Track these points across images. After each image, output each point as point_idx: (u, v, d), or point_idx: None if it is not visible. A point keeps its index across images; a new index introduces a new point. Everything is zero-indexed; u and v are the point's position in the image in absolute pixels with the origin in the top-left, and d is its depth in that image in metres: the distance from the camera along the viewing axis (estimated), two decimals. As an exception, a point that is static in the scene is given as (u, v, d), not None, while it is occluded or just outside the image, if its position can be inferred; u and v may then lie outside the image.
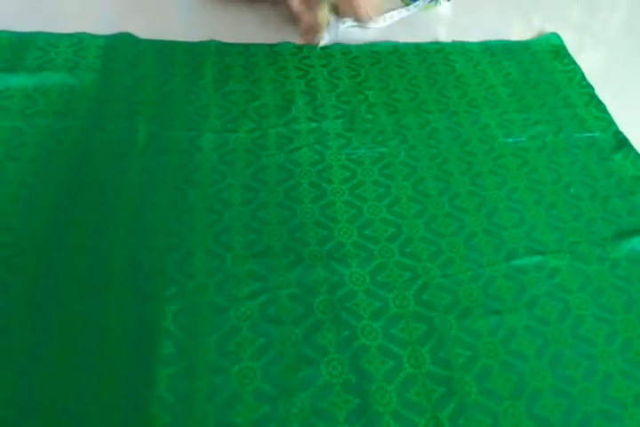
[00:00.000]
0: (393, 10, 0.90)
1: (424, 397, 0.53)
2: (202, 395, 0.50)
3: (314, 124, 0.75)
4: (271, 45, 0.86)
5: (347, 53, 0.86)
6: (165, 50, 0.81)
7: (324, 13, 0.78)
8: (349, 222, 0.65)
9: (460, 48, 0.91)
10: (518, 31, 0.98)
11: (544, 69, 0.90)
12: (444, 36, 0.94)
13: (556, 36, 0.95)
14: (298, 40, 0.86)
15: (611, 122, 0.82)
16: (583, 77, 0.89)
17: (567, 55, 0.93)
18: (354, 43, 0.89)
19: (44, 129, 0.67)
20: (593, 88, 0.87)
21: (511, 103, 0.83)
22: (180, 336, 0.53)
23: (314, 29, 0.81)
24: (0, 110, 0.68)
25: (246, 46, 0.85)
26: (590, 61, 0.94)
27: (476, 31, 0.95)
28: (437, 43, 0.91)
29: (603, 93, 0.87)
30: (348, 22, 0.87)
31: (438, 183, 0.70)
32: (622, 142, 0.80)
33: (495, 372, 0.55)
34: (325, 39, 0.84)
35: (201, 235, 0.61)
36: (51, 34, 0.79)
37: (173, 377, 0.51)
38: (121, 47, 0.79)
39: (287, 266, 0.60)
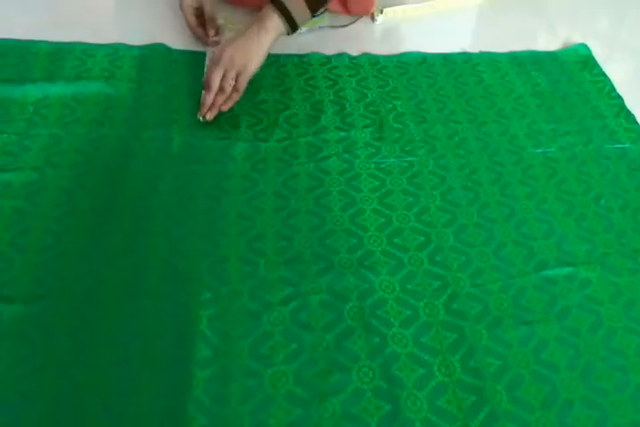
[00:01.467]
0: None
1: (455, 405, 0.54)
2: (236, 397, 0.52)
3: (343, 134, 0.78)
4: (301, 56, 0.88)
5: (375, 64, 0.89)
6: (197, 60, 0.84)
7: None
8: (379, 231, 0.67)
9: (488, 58, 0.93)
10: (545, 41, 1.00)
11: (573, 80, 0.91)
12: (471, 46, 0.96)
13: (584, 46, 0.97)
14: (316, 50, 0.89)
15: (641, 133, 0.83)
16: (612, 88, 0.90)
17: (596, 66, 0.94)
18: (381, 53, 0.91)
19: (83, 137, 0.70)
20: (622, 99, 0.88)
21: (540, 114, 0.85)
22: (214, 340, 0.55)
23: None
24: (40, 118, 0.72)
25: (276, 57, 0.87)
26: (619, 72, 0.95)
27: (502, 41, 0.96)
28: (465, 53, 0.93)
29: (632, 104, 0.88)
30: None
31: (467, 193, 0.72)
32: (653, 154, 0.80)
33: (526, 382, 0.56)
34: None
35: (234, 241, 0.64)
36: (87, 44, 0.83)
37: (209, 380, 0.53)
38: (155, 57, 0.82)
39: (318, 273, 0.62)
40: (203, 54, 0.85)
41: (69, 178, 0.66)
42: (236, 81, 0.74)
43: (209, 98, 0.74)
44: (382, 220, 0.68)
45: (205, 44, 0.86)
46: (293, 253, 0.64)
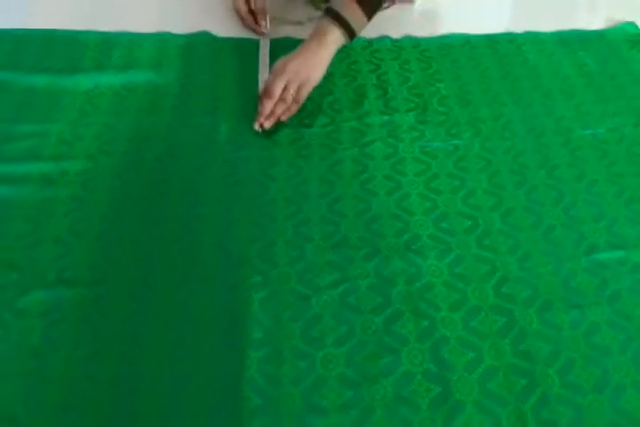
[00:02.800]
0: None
1: (506, 388, 0.53)
2: (289, 378, 0.52)
3: (386, 118, 0.76)
4: (342, 40, 0.87)
5: (417, 46, 0.86)
6: (241, 47, 0.83)
7: None
8: (425, 215, 0.65)
9: (533, 38, 0.89)
10: (586, 20, 0.95)
11: (621, 59, 0.87)
12: (513, 26, 0.92)
13: (632, 25, 0.92)
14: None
15: (693, 113, 0.79)
16: (663, 67, 0.85)
17: (646, 44, 0.89)
18: (423, 35, 0.89)
19: (133, 125, 0.71)
20: (674, 78, 0.84)
21: (588, 94, 0.81)
22: (266, 322, 0.56)
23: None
24: (92, 107, 0.72)
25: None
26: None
27: (546, 20, 0.92)
28: (509, 33, 0.90)
29: (684, 83, 0.83)
30: None
31: (514, 176, 0.70)
32: None
33: (578, 365, 0.54)
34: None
35: (282, 226, 0.63)
36: (134, 34, 0.82)
37: (262, 361, 0.53)
38: (200, 46, 0.82)
39: (365, 257, 0.61)
40: (247, 41, 0.84)
41: (122, 165, 0.66)
42: (296, 93, 0.72)
43: (268, 106, 0.71)
44: (428, 204, 0.66)
45: (256, 33, 0.85)
46: (340, 238, 0.63)
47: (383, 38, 0.86)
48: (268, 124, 0.72)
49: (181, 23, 0.85)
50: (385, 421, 0.50)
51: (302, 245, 0.62)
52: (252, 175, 0.68)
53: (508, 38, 0.89)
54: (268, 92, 0.71)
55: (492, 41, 0.88)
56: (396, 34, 0.88)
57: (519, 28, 0.91)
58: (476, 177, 0.69)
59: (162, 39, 0.82)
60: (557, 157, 0.72)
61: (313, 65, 0.72)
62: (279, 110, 0.72)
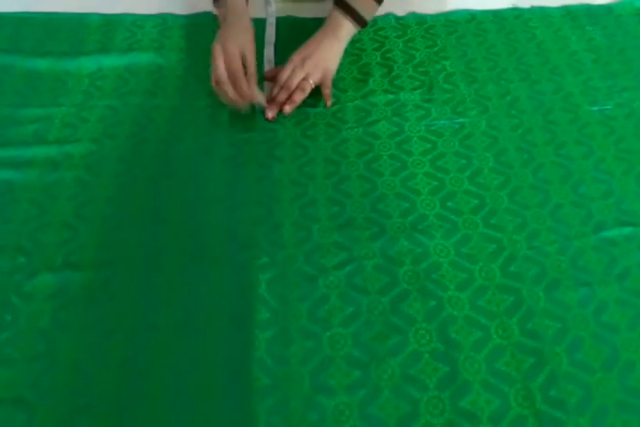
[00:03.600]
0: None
1: (514, 367, 0.51)
2: (297, 359, 0.51)
3: (391, 96, 0.73)
4: (346, 18, 0.83)
5: (422, 23, 0.83)
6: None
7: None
8: (431, 194, 0.63)
9: (540, 13, 0.85)
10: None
11: (629, 34, 0.83)
12: (521, 1, 0.88)
13: (642, -3, 0.88)
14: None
15: None
16: (673, 41, 0.81)
17: (655, 18, 0.85)
18: (428, 12, 0.85)
19: (138, 107, 0.68)
20: (683, 52, 0.80)
21: (596, 70, 0.77)
22: (273, 303, 0.54)
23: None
24: (96, 90, 0.70)
25: (321, 20, 0.82)
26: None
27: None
28: (516, 9, 0.86)
29: (695, 57, 0.79)
30: None
31: (521, 154, 0.67)
32: None
33: (587, 344, 0.53)
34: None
35: (288, 207, 0.62)
36: (136, 15, 0.80)
37: (270, 341, 0.52)
38: (202, 26, 0.79)
39: (371, 237, 0.60)
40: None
41: (127, 148, 0.65)
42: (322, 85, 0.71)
43: (284, 95, 0.69)
44: (435, 183, 0.64)
45: (248, 100, 0.67)
46: (346, 219, 0.61)
47: (387, 16, 0.83)
48: (289, 109, 0.69)
49: (183, 4, 0.82)
50: (392, 400, 0.49)
51: (308, 225, 0.60)
52: (257, 156, 0.66)
53: (515, 14, 0.85)
54: (287, 85, 0.69)
55: (498, 17, 0.84)
56: (400, 11, 0.84)
57: (526, 2, 0.87)
58: (483, 155, 0.67)
59: (164, 20, 0.79)
60: (565, 135, 0.69)
61: (329, 59, 0.71)
62: (298, 99, 0.69)
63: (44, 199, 0.59)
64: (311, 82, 0.69)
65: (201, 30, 0.78)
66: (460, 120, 0.70)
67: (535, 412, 0.49)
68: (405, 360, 0.51)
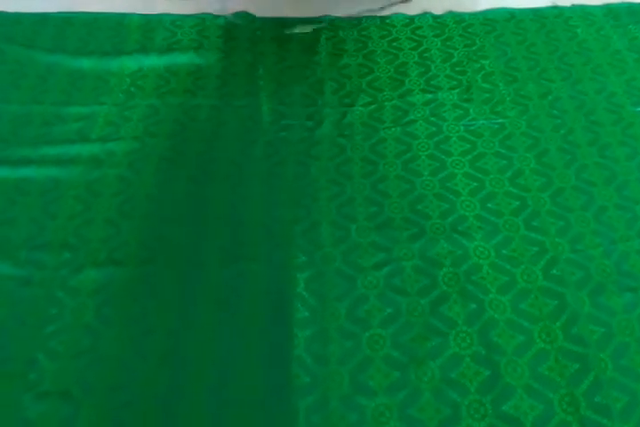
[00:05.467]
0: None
1: (557, 372, 0.50)
2: (336, 358, 0.51)
3: (429, 96, 0.72)
4: (383, 17, 0.82)
5: (460, 22, 0.81)
6: (281, 27, 0.80)
7: None
8: (471, 195, 0.62)
9: (581, 12, 0.83)
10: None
11: (674, 32, 0.80)
12: (562, -1, 0.86)
13: (687, -6, 0.85)
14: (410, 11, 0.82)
15: None
16: None
17: (701, 15, 0.82)
18: (466, 11, 0.83)
19: (178, 107, 0.69)
20: None
21: (639, 69, 0.75)
22: (312, 302, 0.54)
23: None
24: (137, 89, 0.71)
25: (358, 20, 0.82)
26: None
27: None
28: (556, 7, 0.84)
29: None
30: None
31: (564, 155, 0.65)
32: None
33: (632, 349, 0.51)
34: None
35: (325, 206, 0.61)
36: (176, 15, 0.80)
37: (310, 340, 0.51)
38: (240, 26, 0.79)
39: (409, 238, 0.59)
40: (286, 20, 0.80)
41: (168, 146, 0.65)
42: None
43: None
44: (475, 184, 0.63)
45: None
46: (384, 219, 0.60)
47: (425, 15, 0.82)
48: None
49: (221, 4, 0.82)
50: (433, 403, 0.48)
51: (346, 225, 0.60)
52: (295, 156, 0.66)
53: (555, 12, 0.83)
54: None
55: (538, 15, 0.82)
56: (438, 10, 0.83)
57: (566, 1, 0.85)
58: (524, 156, 0.65)
59: (202, 20, 0.79)
60: (608, 135, 0.67)
61: None
62: None
63: (87, 196, 0.60)
64: None
65: (238, 30, 0.78)
66: (500, 120, 0.69)
67: (580, 418, 0.48)
68: (446, 363, 0.50)
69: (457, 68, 0.75)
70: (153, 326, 0.51)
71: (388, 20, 0.81)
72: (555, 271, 0.56)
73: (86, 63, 0.72)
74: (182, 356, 0.50)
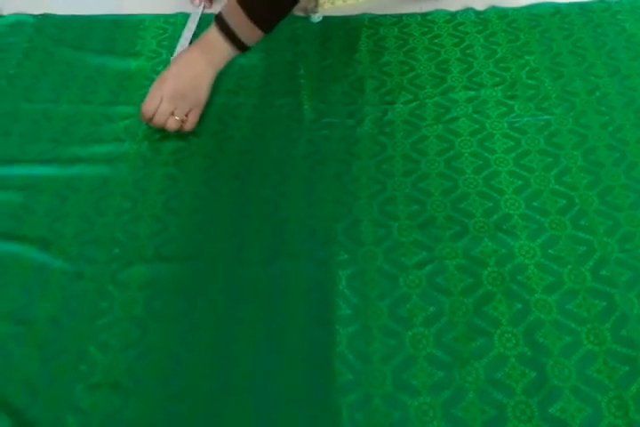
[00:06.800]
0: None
1: (606, 375, 0.49)
2: (379, 356, 0.51)
3: (472, 93, 0.71)
4: (424, 14, 0.81)
5: (503, 17, 0.80)
6: (321, 25, 0.80)
7: None
8: (516, 193, 0.61)
9: (629, 6, 0.80)
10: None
11: None
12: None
13: None
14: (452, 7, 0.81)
15: None
16: None
17: None
18: (510, 6, 0.82)
19: (221, 106, 0.70)
20: None
21: (691, 64, 0.72)
22: (354, 299, 0.54)
23: None
24: (180, 89, 0.72)
25: (399, 17, 0.81)
26: None
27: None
28: (603, 1, 0.81)
29: None
30: None
31: (612, 152, 0.64)
32: None
33: (686, 354, 0.49)
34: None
35: (366, 204, 0.61)
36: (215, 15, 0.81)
37: (352, 337, 0.51)
38: (281, 25, 0.79)
39: (452, 237, 0.58)
40: (326, 19, 0.81)
41: (212, 145, 0.66)
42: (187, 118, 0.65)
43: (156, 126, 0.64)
44: (519, 182, 0.62)
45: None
46: (426, 217, 0.60)
47: (467, 10, 0.81)
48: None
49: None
50: (477, 403, 0.48)
51: (388, 223, 0.59)
52: (335, 154, 0.66)
53: (602, 6, 0.80)
54: (145, 115, 0.63)
55: (584, 9, 0.80)
56: (480, 5, 0.81)
57: (615, -6, 0.82)
58: (571, 154, 0.64)
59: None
60: (660, 132, 0.65)
61: (197, 85, 0.63)
62: (172, 126, 0.63)
63: (135, 193, 0.61)
64: (177, 118, 0.63)
65: (279, 30, 0.78)
66: (545, 117, 0.67)
67: (629, 422, 0.47)
68: (490, 363, 0.50)
69: (500, 65, 0.74)
70: (200, 321, 0.52)
71: (429, 17, 0.80)
72: (603, 272, 0.54)
73: (133, 64, 0.74)
74: (229, 351, 0.51)
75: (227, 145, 0.66)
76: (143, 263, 0.56)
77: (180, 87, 0.63)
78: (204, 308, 0.53)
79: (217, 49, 0.63)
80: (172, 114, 0.63)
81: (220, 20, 0.62)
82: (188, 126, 0.65)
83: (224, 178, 0.63)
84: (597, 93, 0.69)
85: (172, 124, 0.64)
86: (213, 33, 0.63)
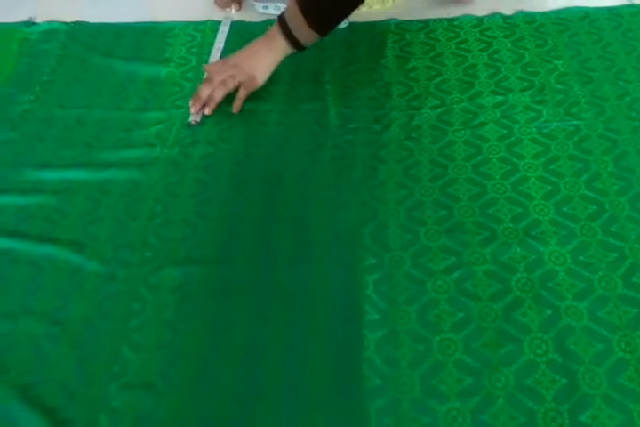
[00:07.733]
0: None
1: (638, 383, 0.48)
2: (407, 361, 0.51)
3: (500, 98, 0.71)
4: (451, 19, 0.82)
5: (531, 22, 0.80)
6: (347, 31, 0.81)
7: None
8: (545, 199, 0.61)
9: (660, 10, 0.80)
10: None
11: None
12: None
13: None
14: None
15: None
16: None
17: None
18: (538, 10, 0.82)
19: (249, 113, 0.71)
20: None
21: None
22: (381, 304, 0.54)
23: None
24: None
25: (425, 22, 0.82)
26: None
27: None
28: (632, 5, 0.81)
29: None
30: None
31: (644, 158, 0.63)
32: None
33: None
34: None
35: (393, 209, 0.62)
36: (247, 22, 0.83)
37: (380, 342, 0.52)
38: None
39: (481, 242, 0.58)
40: (352, 24, 0.82)
41: (240, 151, 0.67)
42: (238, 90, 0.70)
43: (205, 91, 0.69)
44: (549, 187, 0.62)
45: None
46: (454, 223, 0.60)
47: (494, 15, 0.81)
48: (208, 111, 0.69)
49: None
50: (507, 410, 0.48)
51: (415, 228, 0.60)
52: (362, 158, 0.66)
53: (632, 11, 0.80)
54: (209, 78, 0.70)
55: (613, 14, 0.80)
56: (508, 10, 0.82)
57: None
58: (601, 159, 0.63)
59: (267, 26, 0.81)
60: (693, 138, 0.64)
61: (259, 68, 0.70)
62: (218, 95, 0.69)
63: (166, 197, 0.63)
64: (236, 80, 0.69)
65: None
66: (575, 122, 0.67)
67: (662, 432, 0.46)
68: (520, 370, 0.50)
69: (528, 69, 0.74)
70: (230, 324, 0.53)
71: (455, 22, 0.81)
72: (635, 279, 0.54)
73: (163, 70, 0.76)
74: (258, 355, 0.52)
75: (254, 151, 0.67)
76: (174, 266, 0.57)
77: (242, 63, 0.70)
78: (235, 311, 0.54)
79: (278, 46, 0.69)
80: (231, 76, 0.69)
81: (281, 21, 0.68)
82: (237, 105, 0.70)
83: (252, 183, 0.64)
84: (627, 98, 0.69)
85: (220, 90, 0.69)
86: (275, 32, 0.69)
